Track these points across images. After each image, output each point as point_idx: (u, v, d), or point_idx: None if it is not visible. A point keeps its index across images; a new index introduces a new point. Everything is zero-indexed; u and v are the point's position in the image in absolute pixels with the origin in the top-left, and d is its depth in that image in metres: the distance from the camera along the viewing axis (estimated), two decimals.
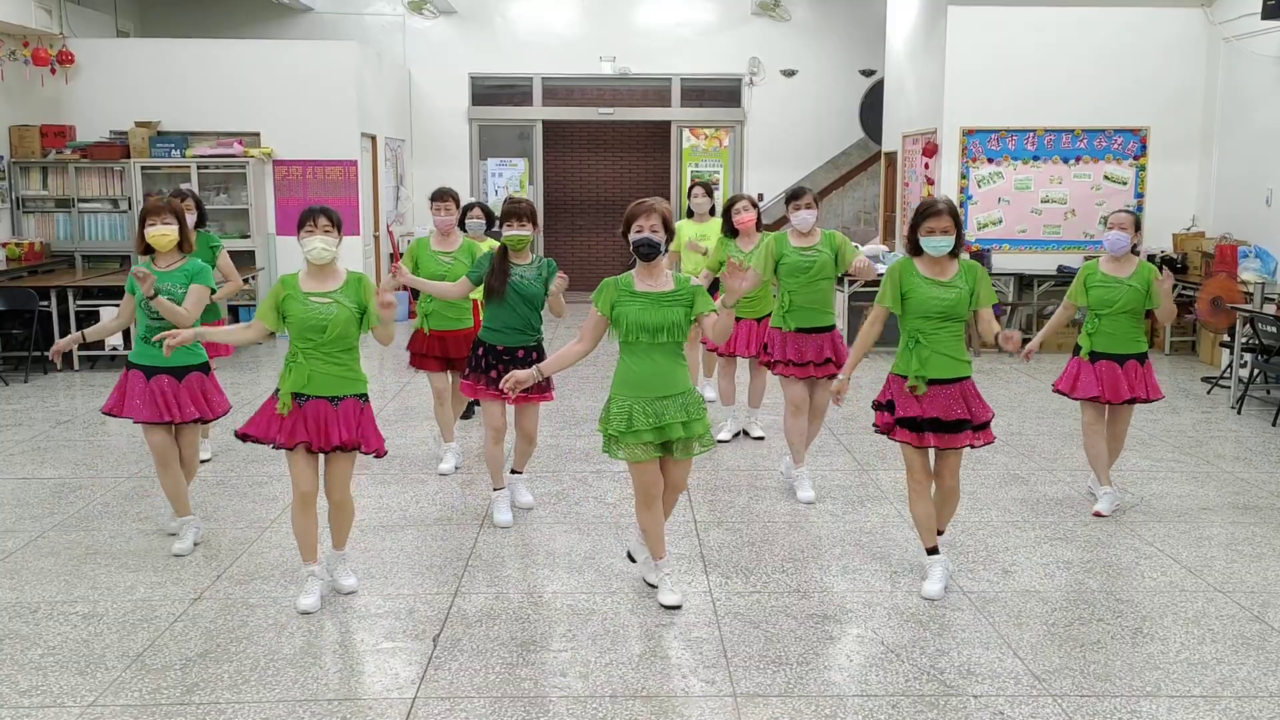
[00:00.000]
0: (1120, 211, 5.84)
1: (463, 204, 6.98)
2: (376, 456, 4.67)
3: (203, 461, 6.60)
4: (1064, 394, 5.95)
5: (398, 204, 14.31)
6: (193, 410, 5.26)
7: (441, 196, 6.58)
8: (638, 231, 4.44)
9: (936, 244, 4.62)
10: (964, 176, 11.47)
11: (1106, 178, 11.47)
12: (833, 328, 6.11)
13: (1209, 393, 9.17)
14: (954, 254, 4.69)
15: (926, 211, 4.65)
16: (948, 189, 11.47)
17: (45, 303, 9.80)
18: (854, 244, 6.23)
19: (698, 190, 8.16)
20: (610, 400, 4.52)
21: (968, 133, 11.41)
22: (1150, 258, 11.12)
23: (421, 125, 15.12)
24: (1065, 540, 5.51)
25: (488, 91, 15.29)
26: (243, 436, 4.56)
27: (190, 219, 6.24)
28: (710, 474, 6.68)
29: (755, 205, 7.04)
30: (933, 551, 4.88)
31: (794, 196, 6.08)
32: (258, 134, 12.00)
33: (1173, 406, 8.64)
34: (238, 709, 3.77)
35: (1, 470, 6.75)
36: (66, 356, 10.02)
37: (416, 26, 14.88)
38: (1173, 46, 11.29)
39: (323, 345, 4.49)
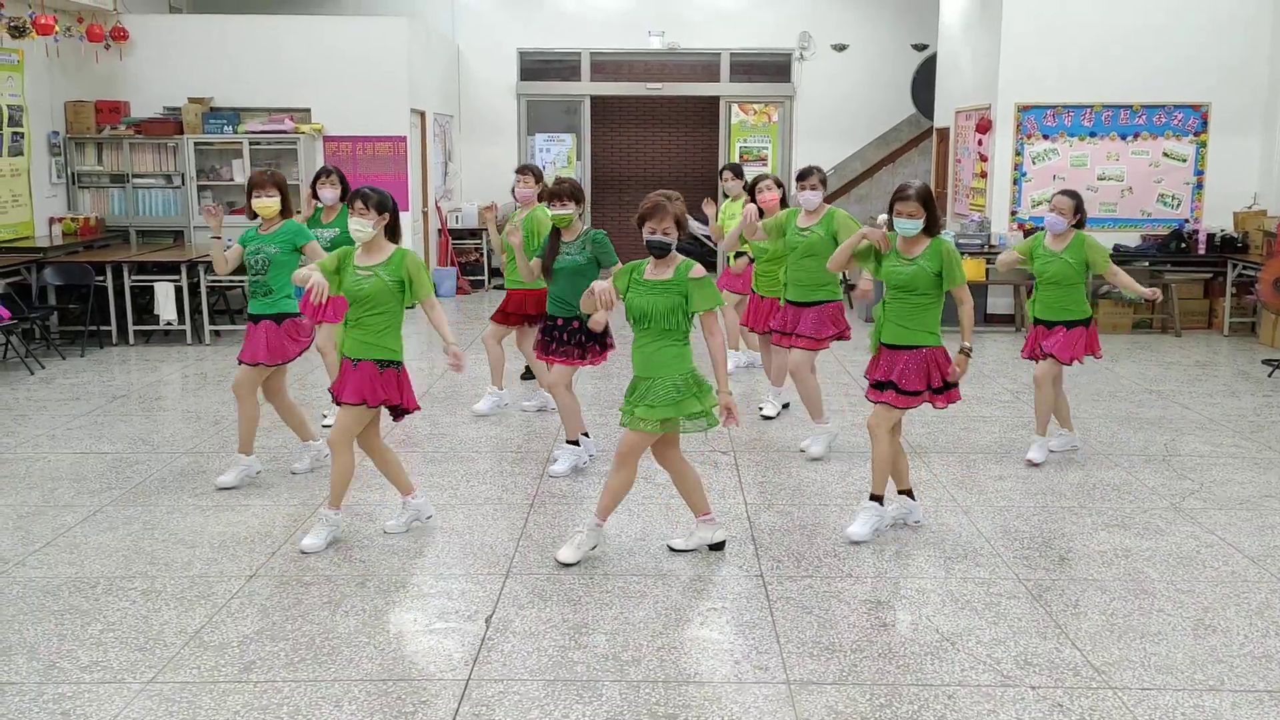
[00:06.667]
0: (1061, 195, 6.31)
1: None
2: (388, 410, 5.09)
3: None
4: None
5: (445, 180, 14.33)
6: (251, 355, 5.86)
7: (522, 171, 7.22)
8: (650, 232, 4.71)
9: (902, 225, 5.11)
10: (1018, 153, 11.26)
11: (1165, 154, 11.21)
12: (822, 303, 6.47)
13: (1270, 375, 8.96)
14: (930, 234, 5.12)
15: (897, 195, 5.14)
16: (1001, 166, 11.29)
17: (101, 278, 9.94)
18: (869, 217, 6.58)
19: (727, 174, 8.89)
20: None
21: (1023, 109, 11.20)
22: (1210, 237, 10.90)
23: (470, 101, 15.10)
24: (1123, 527, 5.42)
25: (536, 66, 15.23)
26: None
27: (335, 193, 6.94)
28: (761, 455, 6.64)
29: (780, 184, 7.22)
30: (875, 499, 5.28)
31: (802, 175, 6.53)
32: (308, 110, 12.05)
33: (1232, 390, 8.47)
34: (294, 687, 3.81)
35: (59, 444, 6.86)
36: (122, 330, 10.18)
37: (465, 1, 14.84)
38: (1235, 19, 10.98)
39: (364, 313, 4.95)
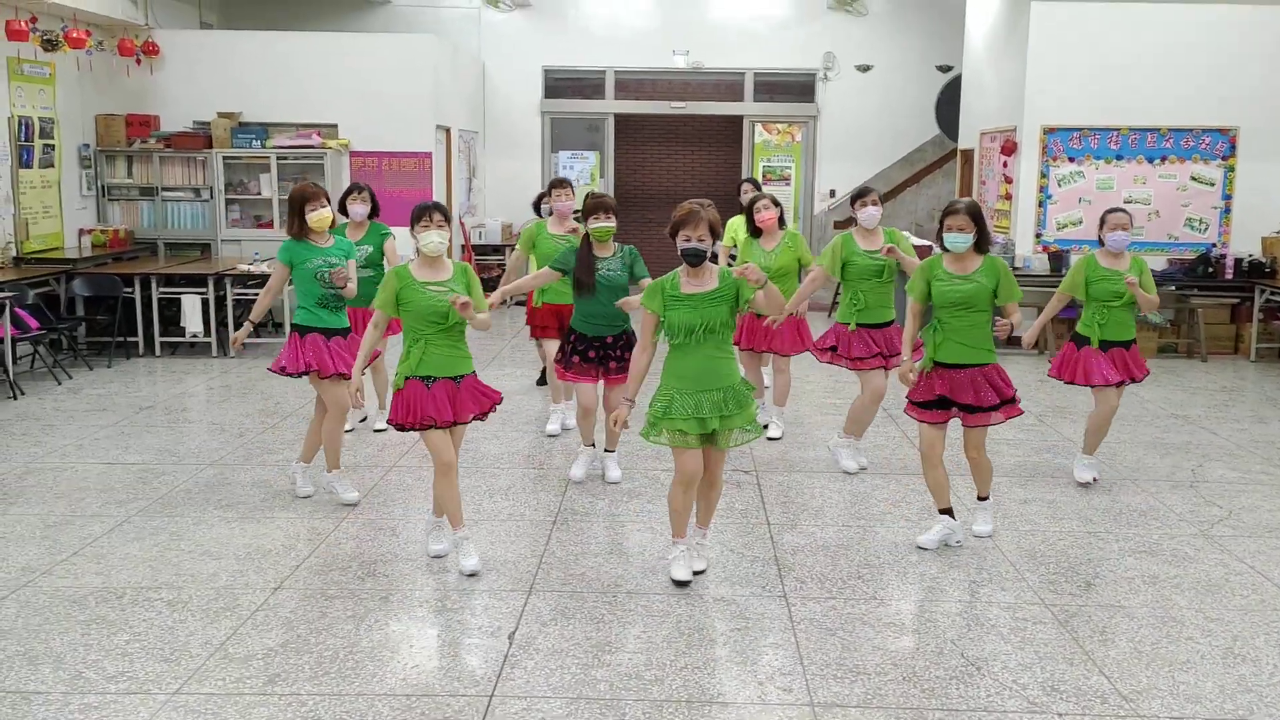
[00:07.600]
0: (1118, 211, 6.23)
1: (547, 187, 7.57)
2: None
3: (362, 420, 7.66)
4: (1066, 380, 6.41)
5: (470, 195, 14.40)
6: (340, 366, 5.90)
7: (561, 184, 7.21)
8: (685, 240, 4.65)
9: (954, 240, 5.16)
10: (1044, 175, 11.23)
11: (1193, 178, 11.16)
12: (892, 322, 6.57)
13: None
14: (981, 250, 5.19)
15: (948, 209, 5.21)
16: (1026, 188, 11.25)
17: (129, 289, 10.02)
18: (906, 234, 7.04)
19: (747, 186, 8.88)
20: (658, 389, 4.75)
21: (1048, 131, 11.17)
22: (1238, 262, 10.83)
23: (494, 117, 15.19)
24: (1150, 554, 5.37)
25: (560, 84, 15.32)
26: (398, 426, 4.97)
27: (364, 209, 7.25)
28: (784, 475, 6.63)
29: (777, 204, 7.29)
30: (945, 512, 5.36)
31: (860, 195, 6.50)
32: (335, 125, 12.15)
33: (1260, 417, 8.40)
34: (318, 700, 3.82)
35: (87, 454, 6.91)
36: (149, 342, 10.26)
37: (492, 19, 14.95)
38: (1264, 43, 10.94)
39: (444, 329, 4.92)
